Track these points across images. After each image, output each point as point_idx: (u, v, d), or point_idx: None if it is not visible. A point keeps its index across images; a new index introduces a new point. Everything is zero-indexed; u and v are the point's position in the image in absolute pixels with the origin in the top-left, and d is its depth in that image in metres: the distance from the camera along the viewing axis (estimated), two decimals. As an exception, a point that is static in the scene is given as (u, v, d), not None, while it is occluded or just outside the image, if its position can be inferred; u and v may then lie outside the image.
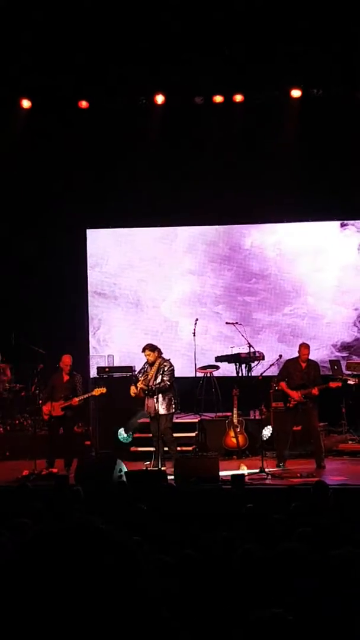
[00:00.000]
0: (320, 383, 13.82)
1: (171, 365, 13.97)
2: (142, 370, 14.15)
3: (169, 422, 13.95)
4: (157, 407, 13.69)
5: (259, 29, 14.55)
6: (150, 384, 13.82)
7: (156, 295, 17.98)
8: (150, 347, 14.04)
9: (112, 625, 1.54)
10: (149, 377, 13.88)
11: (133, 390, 13.95)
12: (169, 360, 14.08)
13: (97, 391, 13.99)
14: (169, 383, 13.82)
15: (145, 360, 14.10)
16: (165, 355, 14.97)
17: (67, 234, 17.78)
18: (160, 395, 13.72)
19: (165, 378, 13.79)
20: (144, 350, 14.08)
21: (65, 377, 14.05)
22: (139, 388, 13.86)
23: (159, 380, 13.79)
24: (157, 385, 13.77)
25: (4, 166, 17.00)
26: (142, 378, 13.97)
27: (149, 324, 17.85)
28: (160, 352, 14.04)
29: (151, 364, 13.97)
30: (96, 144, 17.16)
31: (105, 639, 1.52)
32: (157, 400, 13.72)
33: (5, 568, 1.59)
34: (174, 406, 13.95)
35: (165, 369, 13.83)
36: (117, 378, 15.77)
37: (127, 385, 14.37)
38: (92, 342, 18.01)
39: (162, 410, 13.71)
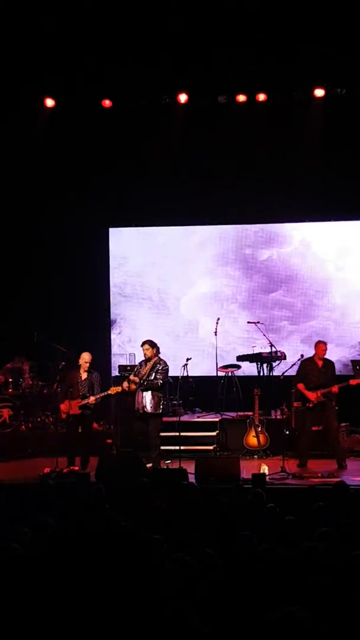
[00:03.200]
0: (336, 381, 13.77)
1: (166, 365, 13.84)
2: (136, 368, 14.06)
3: (158, 423, 13.81)
4: (145, 405, 13.65)
5: (283, 28, 14.52)
6: (143, 379, 13.73)
7: (178, 294, 18.00)
8: (150, 343, 13.90)
9: (134, 620, 1.55)
10: (143, 372, 13.76)
11: (125, 384, 13.87)
12: (164, 360, 13.99)
13: (114, 390, 13.89)
14: (161, 382, 13.73)
15: (142, 359, 14.04)
16: (187, 354, 15.00)
17: (90, 233, 17.83)
18: (149, 393, 13.65)
19: (158, 376, 13.70)
20: (143, 344, 13.94)
21: (84, 375, 13.99)
22: (131, 382, 13.78)
23: (152, 377, 13.73)
24: (149, 381, 13.72)
25: (28, 164, 17.07)
26: (135, 373, 13.87)
27: (171, 323, 17.87)
28: (158, 350, 13.94)
29: (147, 360, 13.87)
30: (119, 143, 17.19)
31: (127, 632, 1.53)
32: (146, 398, 13.67)
33: (32, 561, 1.61)
34: (162, 407, 13.83)
35: (160, 367, 13.71)
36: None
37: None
38: (117, 340, 18.05)
39: (150, 408, 13.62)
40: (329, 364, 14.03)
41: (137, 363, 16.48)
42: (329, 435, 13.94)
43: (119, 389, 13.91)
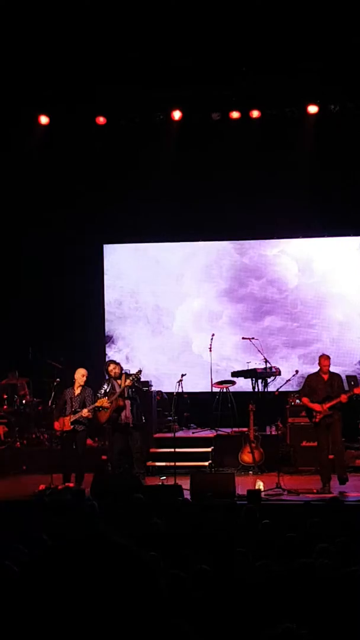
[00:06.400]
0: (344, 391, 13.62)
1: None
2: (105, 390, 13.93)
3: (141, 436, 14.04)
4: (130, 417, 13.72)
5: (275, 45, 14.58)
6: (125, 393, 13.79)
7: (173, 310, 17.99)
8: (114, 362, 14.20)
9: (129, 637, 1.55)
10: (121, 387, 13.74)
11: (104, 415, 13.83)
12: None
13: (100, 402, 13.76)
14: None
15: (107, 380, 14.03)
16: (181, 371, 15.05)
17: (84, 249, 17.85)
18: (132, 407, 13.77)
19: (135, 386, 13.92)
20: (108, 365, 14.13)
21: (77, 391, 13.97)
22: (112, 403, 13.70)
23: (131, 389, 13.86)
24: (133, 393, 13.86)
25: (21, 182, 17.10)
26: (110, 394, 13.83)
27: (165, 339, 17.87)
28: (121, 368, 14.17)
29: (117, 378, 13.90)
30: (113, 159, 17.24)
31: None
32: (131, 410, 13.78)
33: (24, 578, 1.61)
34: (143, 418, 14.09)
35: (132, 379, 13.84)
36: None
37: (144, 399, 14.39)
38: (114, 358, 18.00)
39: (134, 420, 13.79)
40: (335, 376, 13.90)
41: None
42: (333, 450, 13.72)
43: (104, 401, 13.77)
